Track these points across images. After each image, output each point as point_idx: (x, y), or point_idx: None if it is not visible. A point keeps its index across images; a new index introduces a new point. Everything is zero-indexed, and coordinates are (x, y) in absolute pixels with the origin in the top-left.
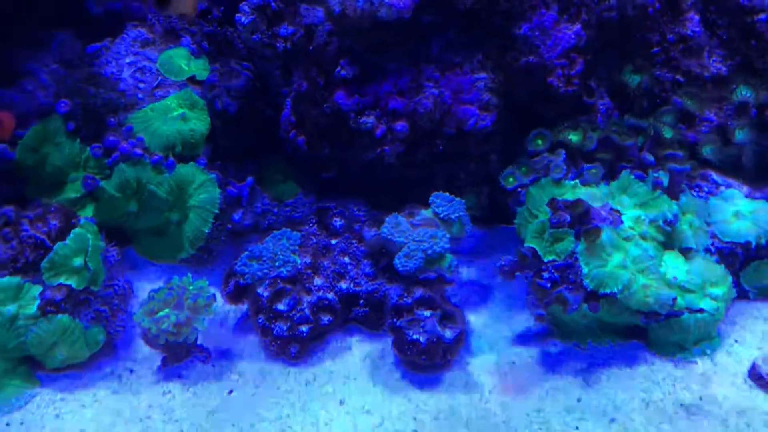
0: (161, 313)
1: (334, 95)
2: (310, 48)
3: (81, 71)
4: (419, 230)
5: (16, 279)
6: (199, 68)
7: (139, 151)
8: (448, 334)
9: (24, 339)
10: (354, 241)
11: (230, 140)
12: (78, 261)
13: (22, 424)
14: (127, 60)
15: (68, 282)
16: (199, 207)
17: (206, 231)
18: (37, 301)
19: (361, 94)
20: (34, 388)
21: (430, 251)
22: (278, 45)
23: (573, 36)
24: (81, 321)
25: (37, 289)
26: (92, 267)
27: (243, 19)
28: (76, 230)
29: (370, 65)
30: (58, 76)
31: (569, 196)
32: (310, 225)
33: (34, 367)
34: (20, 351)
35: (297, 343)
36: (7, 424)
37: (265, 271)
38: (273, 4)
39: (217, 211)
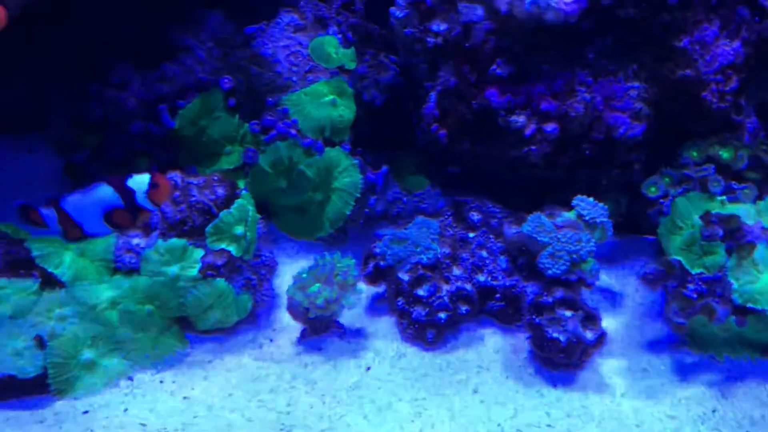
0: (312, 288)
1: (484, 92)
2: (467, 45)
3: (243, 51)
4: (563, 232)
5: (182, 241)
6: (347, 58)
7: (293, 131)
8: (589, 335)
9: (183, 299)
10: (491, 236)
11: (370, 129)
12: (239, 229)
13: (174, 382)
14: (282, 44)
15: (228, 248)
16: (342, 189)
17: (347, 213)
18: (199, 264)
19: (514, 93)
20: (185, 348)
21: (575, 254)
22: (429, 40)
23: (731, 52)
24: (233, 287)
25: (199, 253)
26: (249, 237)
27: (397, 13)
28: (240, 200)
29: (525, 65)
30: (217, 53)
31: (718, 211)
32: (446, 217)
33: (185, 328)
34: (178, 311)
35: (434, 329)
36: (161, 382)
37: (407, 256)
38: (428, 0)
39: (358, 195)
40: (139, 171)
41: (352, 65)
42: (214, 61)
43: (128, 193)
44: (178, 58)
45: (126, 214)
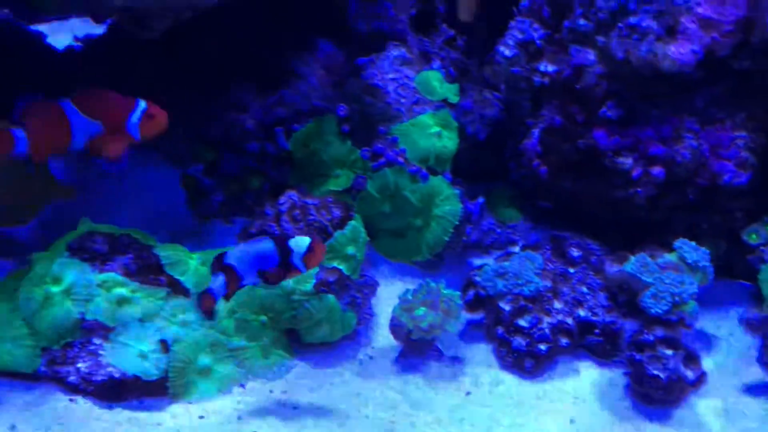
0: (418, 312)
1: (592, 133)
2: (577, 86)
3: (356, 81)
4: (666, 273)
5: None
6: (451, 92)
7: (401, 159)
8: (690, 374)
9: (296, 312)
10: (590, 273)
11: (470, 161)
12: (351, 249)
13: (283, 392)
14: (390, 76)
15: (340, 267)
16: (442, 217)
17: (446, 239)
18: (313, 280)
19: (622, 136)
20: (292, 360)
21: (678, 296)
22: (535, 79)
23: None
24: (341, 304)
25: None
26: (359, 257)
27: (506, 52)
28: (353, 222)
29: (634, 109)
30: (328, 81)
31: None
32: (544, 251)
33: (291, 340)
34: (289, 323)
35: (533, 359)
36: (270, 391)
37: (510, 287)
38: (538, 41)
39: (457, 223)
40: (253, 188)
41: (455, 99)
42: (325, 88)
43: (287, 252)
44: (293, 84)
45: (279, 271)
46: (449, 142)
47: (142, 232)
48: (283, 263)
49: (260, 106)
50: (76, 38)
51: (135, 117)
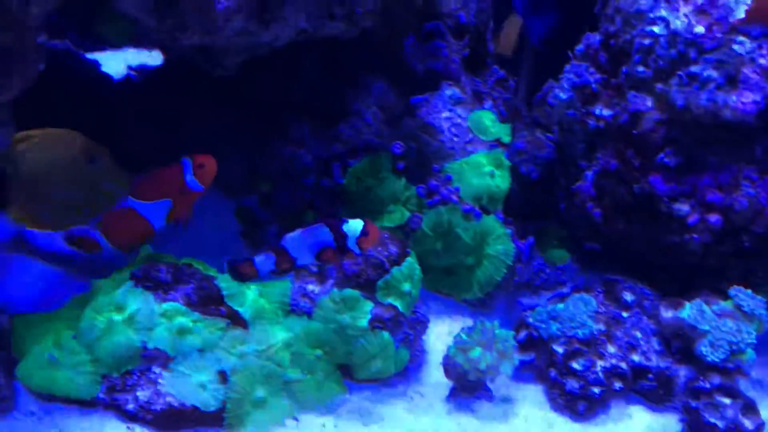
0: (474, 353)
1: (649, 178)
2: (634, 132)
3: (414, 120)
4: (723, 321)
5: (356, 292)
6: (503, 132)
7: (455, 198)
8: (748, 424)
9: (351, 347)
10: (644, 317)
11: (521, 201)
12: (407, 286)
13: (335, 426)
14: (444, 115)
15: (395, 303)
16: (494, 256)
17: (498, 279)
18: (369, 316)
19: (679, 182)
20: (345, 394)
21: (735, 345)
22: (590, 122)
23: None
24: (394, 341)
25: (369, 305)
26: (414, 294)
27: (561, 94)
28: (409, 259)
29: (692, 156)
30: (381, 118)
31: None
32: (596, 294)
33: (343, 375)
34: (344, 357)
35: (586, 402)
36: (323, 425)
37: (564, 330)
38: (594, 86)
39: (509, 263)
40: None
41: (507, 139)
42: (380, 125)
43: (342, 236)
44: (349, 121)
45: (335, 253)
46: (502, 181)
47: (203, 262)
48: (340, 247)
49: (317, 142)
50: (130, 68)
51: (189, 176)
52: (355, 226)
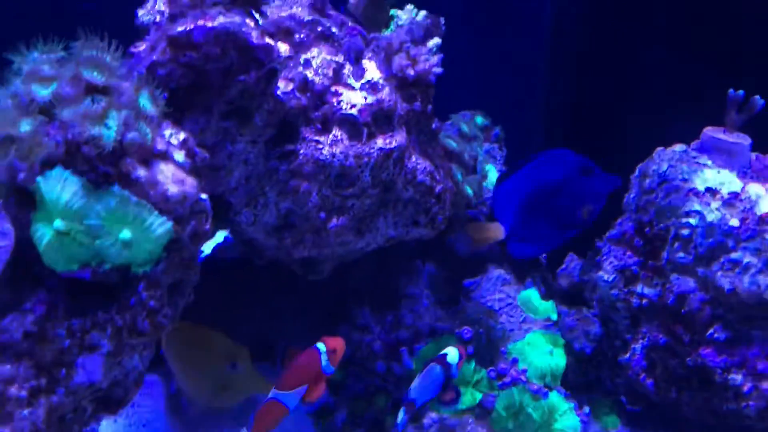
0: None
1: (700, 352)
2: (683, 312)
3: (471, 302)
4: None
5: None
6: (550, 310)
7: (524, 379)
8: None
9: None
10: None
11: (577, 375)
12: None
13: None
14: (496, 296)
15: None
16: (562, 431)
17: None
18: None
19: (730, 355)
20: None
21: None
22: (634, 301)
23: None
24: None
25: None
26: None
27: (605, 277)
28: None
29: (738, 331)
30: (434, 300)
31: None
32: None
33: None
34: None
35: None
36: None
37: None
38: (635, 268)
39: None
40: (378, 406)
41: (554, 316)
42: (435, 308)
43: (448, 368)
44: (407, 305)
45: (454, 391)
46: (560, 359)
47: None
48: (447, 379)
49: (381, 328)
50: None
51: (325, 362)
52: (453, 355)
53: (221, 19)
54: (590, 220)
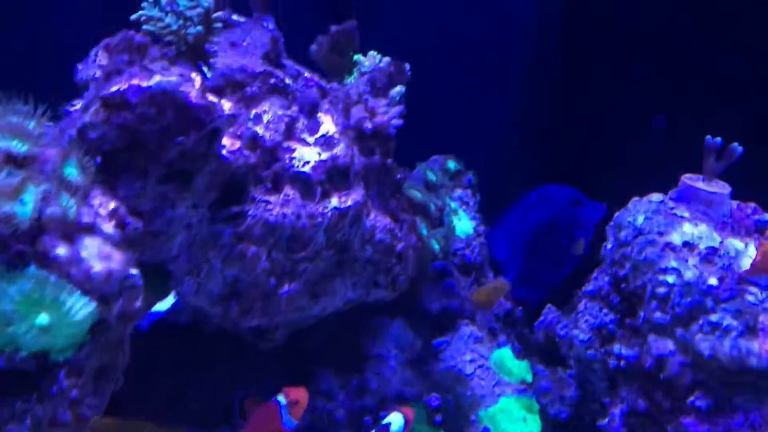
0: None
1: (681, 420)
2: (662, 377)
3: (440, 364)
4: None
5: None
6: (524, 370)
7: None
8: None
9: None
10: None
11: None
12: None
13: None
14: (467, 357)
15: None
16: None
17: None
18: None
19: (712, 424)
20: None
21: None
22: (611, 362)
23: None
24: None
25: None
26: None
27: (581, 336)
28: None
29: (721, 398)
30: (402, 361)
31: None
32: None
33: None
34: None
35: None
36: None
37: None
38: (611, 327)
39: None
40: None
41: (529, 378)
42: (403, 370)
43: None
44: (372, 367)
45: None
46: (534, 425)
47: None
48: None
49: (345, 393)
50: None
51: (286, 417)
52: (396, 420)
53: (158, 78)
54: (583, 253)
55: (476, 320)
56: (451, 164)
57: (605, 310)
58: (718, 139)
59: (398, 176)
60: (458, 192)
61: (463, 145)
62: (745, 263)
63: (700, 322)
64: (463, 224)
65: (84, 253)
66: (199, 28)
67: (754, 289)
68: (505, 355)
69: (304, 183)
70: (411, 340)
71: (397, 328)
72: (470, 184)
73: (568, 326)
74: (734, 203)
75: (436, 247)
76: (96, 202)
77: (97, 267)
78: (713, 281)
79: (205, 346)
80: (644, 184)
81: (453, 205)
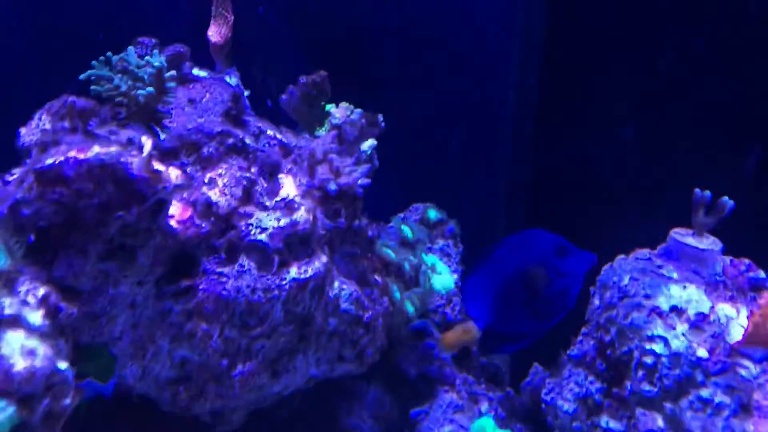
0: None
1: None
2: None
3: None
4: None
5: None
6: None
7: None
8: None
9: None
10: None
11: None
12: None
13: None
14: (446, 429)
15: None
16: None
17: None
18: None
19: None
20: None
21: None
22: None
23: None
24: None
25: None
26: None
27: (565, 407)
28: None
29: None
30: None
31: None
32: None
33: None
34: None
35: None
36: None
37: None
38: (597, 398)
39: None
40: None
41: None
42: None
43: None
44: None
45: None
46: None
47: None
48: None
49: None
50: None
51: None
52: None
53: (96, 149)
54: (570, 306)
55: (456, 387)
56: (432, 213)
57: (591, 378)
58: (707, 192)
59: (370, 234)
60: (439, 243)
61: (446, 193)
62: (737, 332)
63: (690, 397)
64: (444, 279)
65: (5, 350)
66: (150, 89)
67: (747, 363)
68: (486, 425)
69: (261, 252)
70: (388, 406)
71: (373, 393)
72: (452, 234)
73: (554, 390)
74: (727, 259)
75: (410, 309)
76: (23, 288)
77: (19, 365)
78: (703, 353)
79: (159, 424)
80: (634, 231)
81: (432, 259)
